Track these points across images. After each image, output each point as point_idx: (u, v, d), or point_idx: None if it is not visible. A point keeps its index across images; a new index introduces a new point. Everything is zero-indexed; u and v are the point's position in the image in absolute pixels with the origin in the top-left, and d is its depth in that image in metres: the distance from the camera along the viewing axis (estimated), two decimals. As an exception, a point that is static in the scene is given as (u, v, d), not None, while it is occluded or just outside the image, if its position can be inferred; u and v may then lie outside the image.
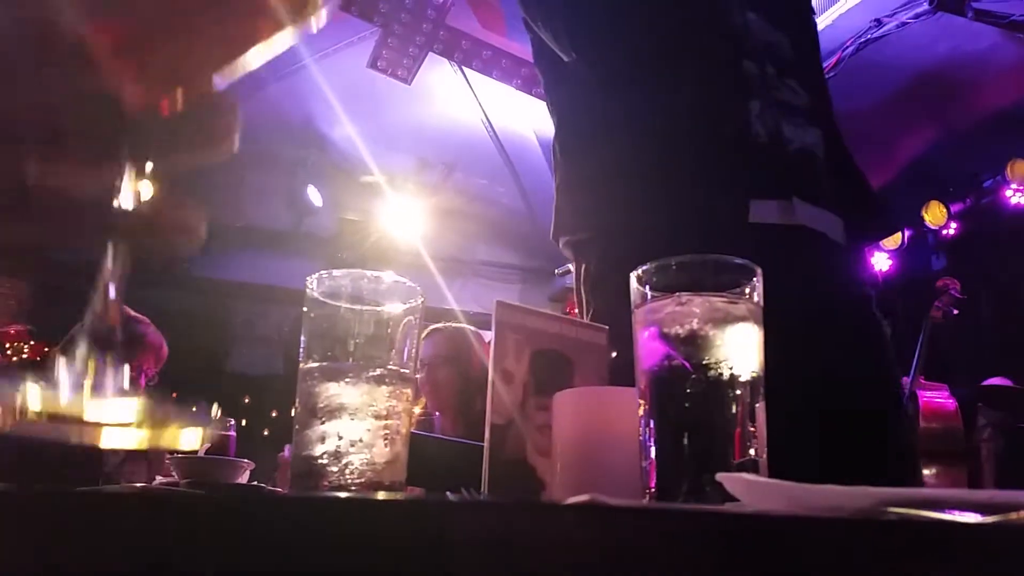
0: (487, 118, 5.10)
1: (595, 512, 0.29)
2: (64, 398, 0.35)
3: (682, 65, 1.14)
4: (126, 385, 0.38)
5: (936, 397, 3.90)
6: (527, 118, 5.07)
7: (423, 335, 2.52)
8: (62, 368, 0.36)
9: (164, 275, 4.42)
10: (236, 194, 4.70)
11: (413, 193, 5.37)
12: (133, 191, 0.39)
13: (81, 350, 0.37)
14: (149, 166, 0.40)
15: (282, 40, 0.40)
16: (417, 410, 2.53)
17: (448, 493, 0.79)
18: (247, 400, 4.82)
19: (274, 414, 4.79)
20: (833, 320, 1.10)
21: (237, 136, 0.43)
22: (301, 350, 0.67)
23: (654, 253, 0.62)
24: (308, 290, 0.68)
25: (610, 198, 1.19)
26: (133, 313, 2.77)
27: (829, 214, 1.15)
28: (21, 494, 0.27)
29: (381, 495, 0.61)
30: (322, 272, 0.69)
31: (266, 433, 4.60)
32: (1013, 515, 0.32)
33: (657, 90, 1.15)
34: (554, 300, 6.10)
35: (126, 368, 0.38)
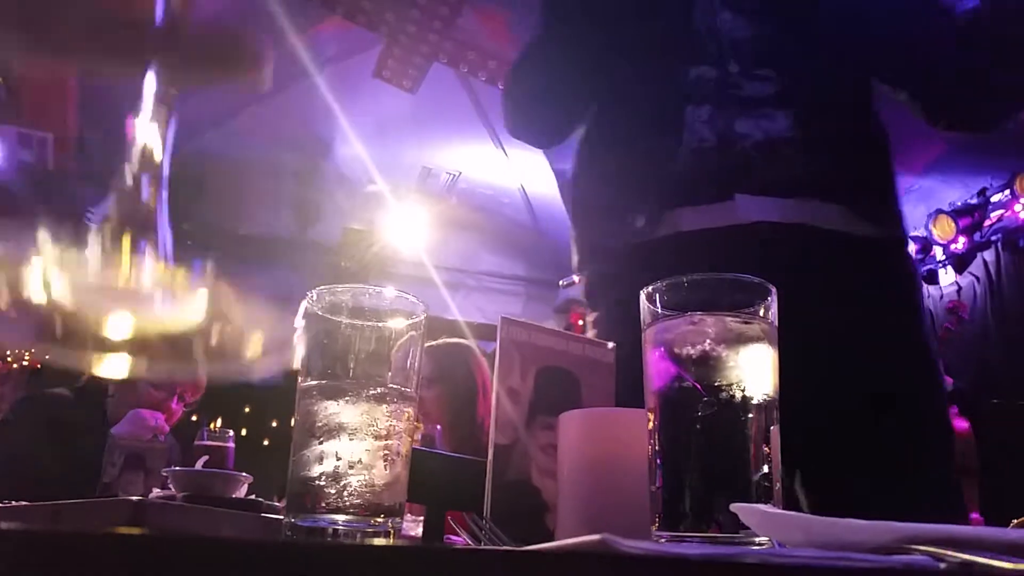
0: (492, 128, 5.10)
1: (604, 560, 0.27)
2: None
3: (631, 92, 1.23)
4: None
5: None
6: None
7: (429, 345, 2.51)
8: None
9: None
10: (239, 202, 4.70)
11: (417, 202, 5.36)
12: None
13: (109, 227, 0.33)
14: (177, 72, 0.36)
15: None
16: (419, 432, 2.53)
17: (451, 511, 0.77)
18: (248, 410, 4.79)
19: (274, 424, 4.77)
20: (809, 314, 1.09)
21: (266, 71, 0.39)
22: (300, 367, 0.65)
23: (623, 271, 0.64)
24: (308, 305, 0.67)
25: (582, 227, 1.31)
26: None
27: (802, 201, 1.13)
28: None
29: (374, 539, 0.59)
30: (323, 287, 0.67)
31: (266, 443, 4.57)
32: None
33: (615, 119, 1.26)
34: (559, 312, 6.07)
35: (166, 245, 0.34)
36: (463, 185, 5.51)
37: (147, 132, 0.35)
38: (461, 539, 0.77)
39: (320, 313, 0.66)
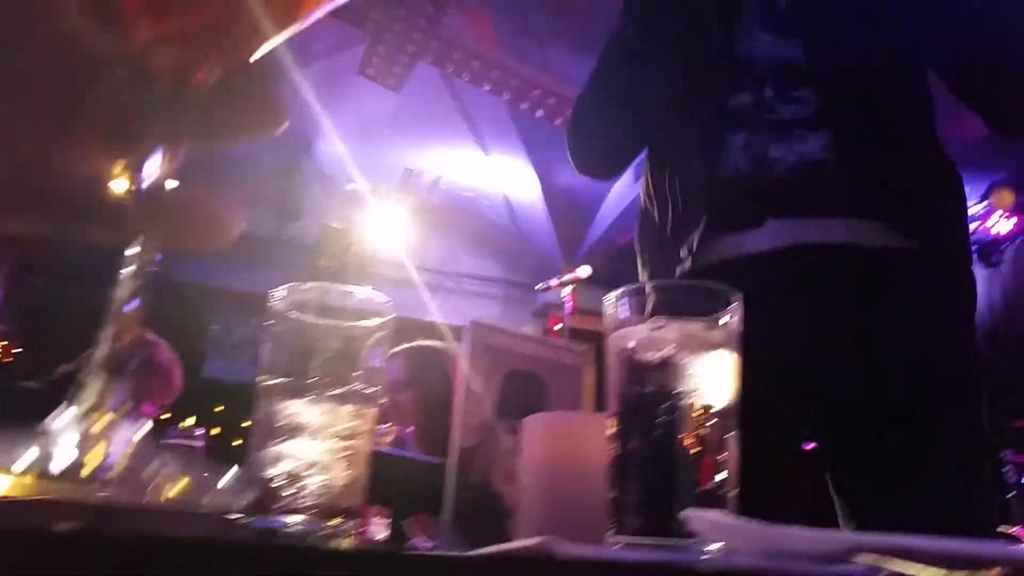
0: (476, 130, 5.10)
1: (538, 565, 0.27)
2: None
3: (676, 126, 1.26)
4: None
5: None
6: (517, 131, 5.07)
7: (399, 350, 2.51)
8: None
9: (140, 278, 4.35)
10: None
11: (398, 202, 5.34)
12: (160, 175, 0.33)
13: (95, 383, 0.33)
14: (181, 146, 0.34)
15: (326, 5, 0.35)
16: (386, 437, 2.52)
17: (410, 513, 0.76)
18: (221, 409, 4.74)
19: (247, 424, 4.72)
20: (822, 335, 1.10)
21: (283, 114, 0.36)
22: (262, 364, 0.65)
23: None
24: (274, 302, 0.66)
25: (645, 258, 1.33)
26: (143, 332, 2.67)
27: (839, 221, 1.13)
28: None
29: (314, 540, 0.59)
30: (289, 284, 0.66)
31: (238, 443, 4.53)
32: (971, 573, 0.30)
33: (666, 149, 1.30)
34: (537, 315, 6.08)
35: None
36: (445, 187, 5.51)
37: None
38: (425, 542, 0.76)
39: (285, 311, 0.66)
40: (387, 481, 0.66)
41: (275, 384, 0.64)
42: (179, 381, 2.71)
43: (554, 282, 3.85)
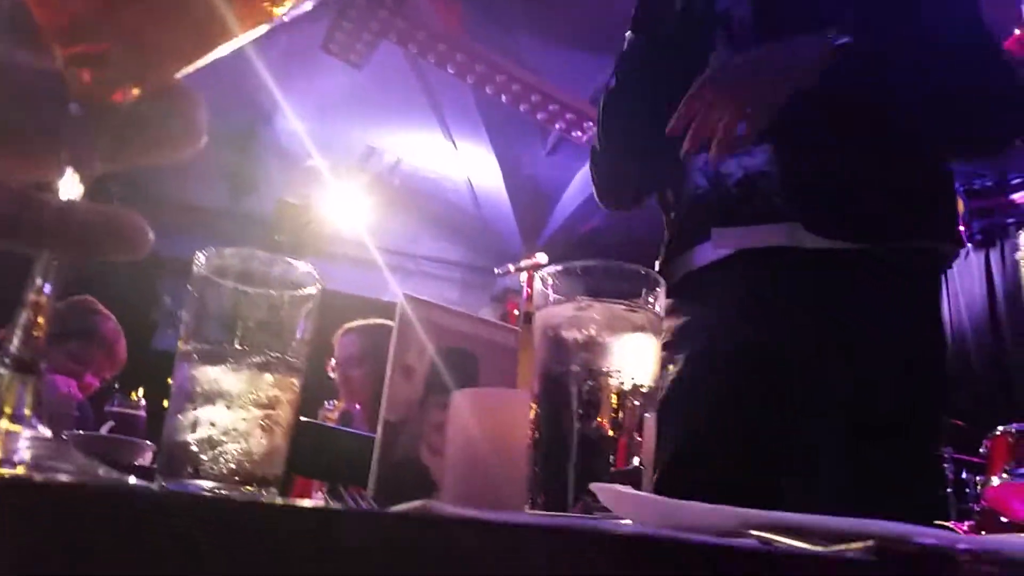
0: (439, 111, 5.06)
1: (420, 521, 0.27)
2: None
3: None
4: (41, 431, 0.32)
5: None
6: (481, 116, 5.04)
7: (339, 334, 2.50)
8: None
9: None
10: (172, 169, 4.55)
11: (358, 181, 5.28)
12: (74, 190, 0.34)
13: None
14: (95, 163, 0.34)
15: (259, 29, 0.35)
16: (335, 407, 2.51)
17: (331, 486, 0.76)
18: (171, 380, 4.66)
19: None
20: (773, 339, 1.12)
21: (202, 134, 0.37)
22: (181, 329, 0.64)
23: None
24: (195, 267, 0.65)
25: None
26: (93, 303, 2.58)
27: (781, 226, 1.14)
28: None
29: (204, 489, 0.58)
30: (210, 248, 0.65)
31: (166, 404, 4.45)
32: (845, 546, 0.31)
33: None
34: (495, 300, 6.08)
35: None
36: (406, 168, 5.46)
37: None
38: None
39: (207, 275, 0.64)
40: (309, 451, 0.66)
41: (194, 348, 0.63)
42: (123, 353, 2.66)
43: (512, 267, 3.86)
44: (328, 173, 4.99)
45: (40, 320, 0.32)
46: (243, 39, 0.36)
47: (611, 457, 0.56)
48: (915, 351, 1.12)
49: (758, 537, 0.39)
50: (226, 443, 0.60)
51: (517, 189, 5.56)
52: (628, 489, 0.48)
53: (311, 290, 0.68)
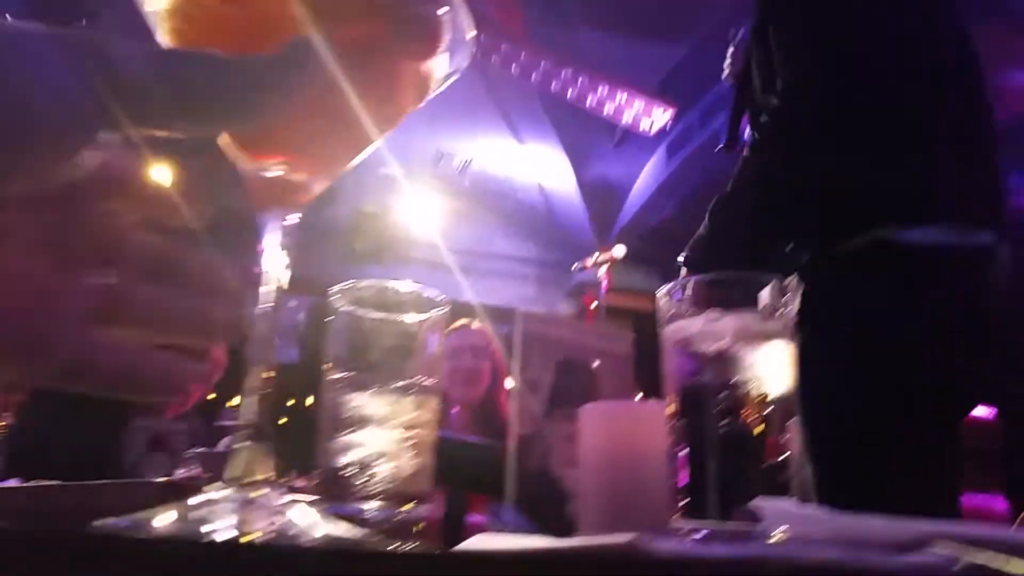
0: (507, 110, 5.08)
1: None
2: None
3: None
4: None
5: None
6: (546, 112, 5.04)
7: (447, 331, 2.51)
8: None
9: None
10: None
11: (430, 185, 5.36)
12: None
13: None
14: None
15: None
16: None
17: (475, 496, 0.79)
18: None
19: (291, 403, 4.82)
20: None
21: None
22: (327, 360, 0.67)
23: None
24: (333, 300, 0.68)
25: None
26: None
27: None
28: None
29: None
30: (347, 282, 0.68)
31: (282, 422, 4.62)
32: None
33: None
34: (571, 295, 6.08)
35: None
36: (476, 169, 5.51)
37: None
38: (482, 519, 0.79)
39: (345, 307, 0.68)
40: (445, 465, 0.68)
41: (339, 377, 0.66)
42: (220, 354, 2.66)
43: (590, 262, 3.85)
44: (402, 179, 5.09)
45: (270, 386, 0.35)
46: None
47: (759, 467, 0.56)
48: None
49: (943, 553, 0.39)
50: (378, 465, 0.63)
51: (587, 183, 5.54)
52: (791, 503, 0.48)
53: (441, 311, 0.71)
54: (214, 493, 0.34)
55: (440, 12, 0.37)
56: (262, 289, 0.37)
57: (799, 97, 1.20)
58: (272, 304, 0.38)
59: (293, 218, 0.39)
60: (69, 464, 2.11)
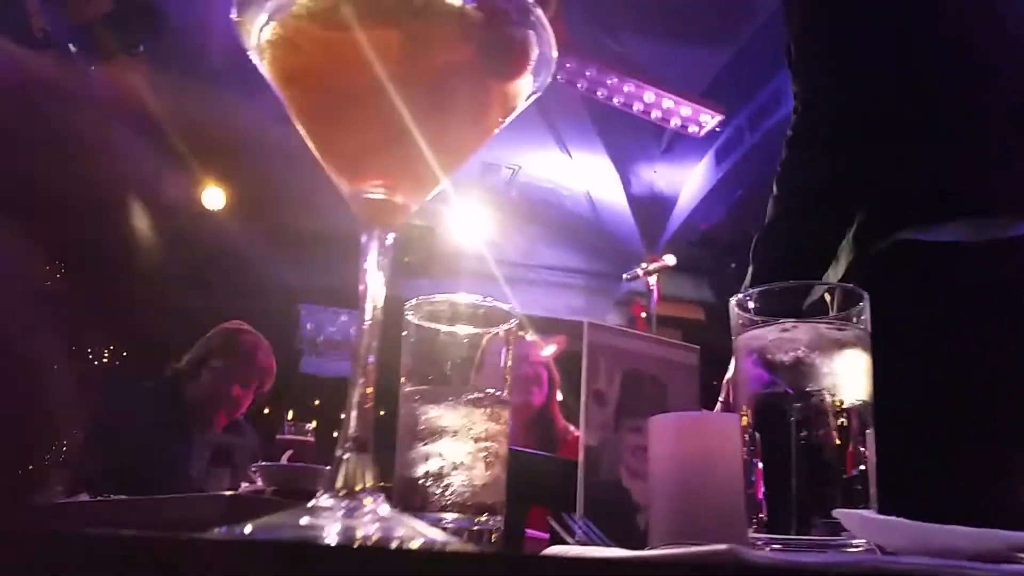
0: (553, 120, 5.10)
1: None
2: None
3: None
4: None
5: None
6: (592, 120, 5.04)
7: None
8: None
9: (230, 280, 4.55)
10: (301, 202, 4.81)
11: (478, 198, 5.40)
12: None
13: None
14: None
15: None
16: None
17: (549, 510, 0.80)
18: (317, 403, 4.94)
19: (344, 416, 4.90)
20: None
21: None
22: (402, 372, 0.69)
23: None
24: (408, 315, 0.70)
25: None
26: (231, 323, 2.64)
27: None
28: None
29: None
30: (420, 297, 0.70)
31: (336, 435, 4.70)
32: None
33: None
34: (620, 304, 6.05)
35: None
36: (523, 179, 5.53)
37: None
38: (545, 534, 0.80)
39: (419, 322, 0.70)
40: (514, 477, 0.70)
41: (414, 390, 0.68)
42: (265, 360, 2.61)
43: (640, 271, 3.83)
44: (450, 191, 5.14)
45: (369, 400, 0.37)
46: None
47: (837, 475, 0.56)
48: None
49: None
50: (452, 475, 0.65)
51: (634, 191, 5.52)
52: (872, 513, 0.48)
53: (511, 324, 0.72)
54: (323, 501, 0.36)
55: (527, 33, 0.38)
56: (363, 305, 0.39)
57: (815, 106, 1.19)
58: (371, 320, 0.40)
59: (390, 238, 0.41)
60: (136, 479, 2.18)
